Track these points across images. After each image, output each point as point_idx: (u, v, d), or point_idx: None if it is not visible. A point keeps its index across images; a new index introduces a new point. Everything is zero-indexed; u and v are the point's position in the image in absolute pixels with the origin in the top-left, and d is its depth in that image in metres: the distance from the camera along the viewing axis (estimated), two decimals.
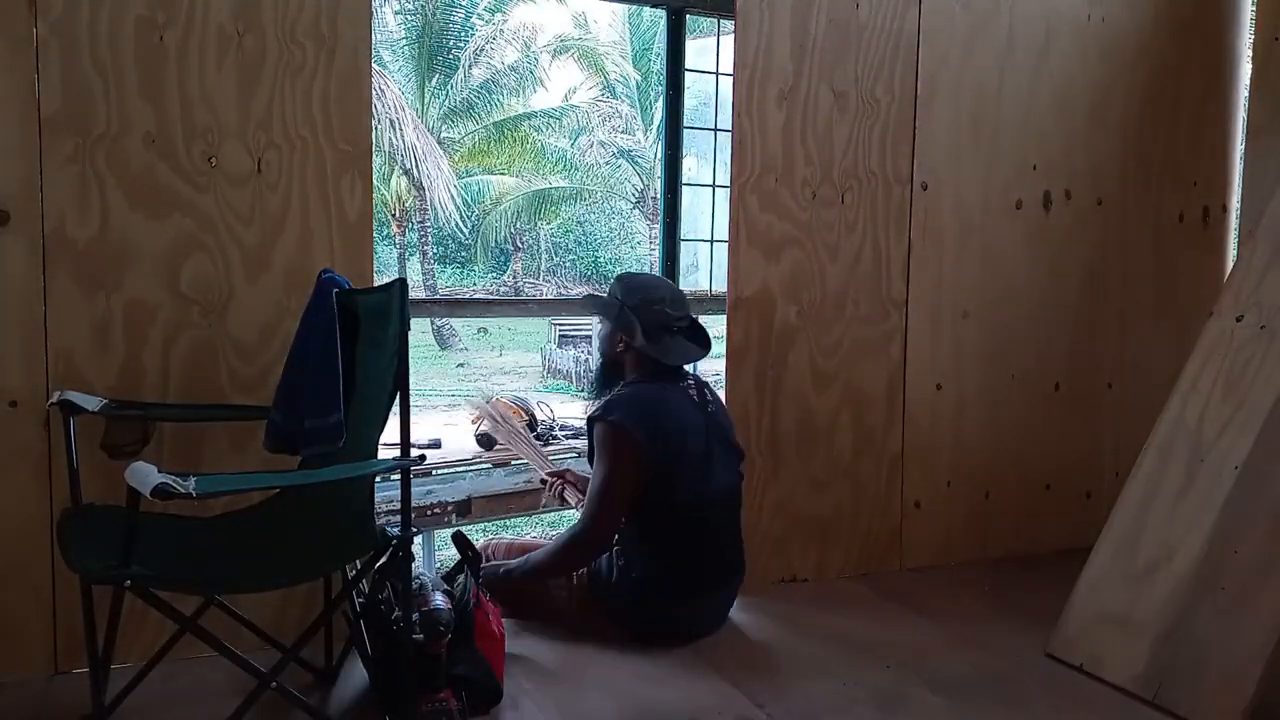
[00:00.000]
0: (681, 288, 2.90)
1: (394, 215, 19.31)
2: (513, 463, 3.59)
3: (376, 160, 10.43)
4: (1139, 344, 3.37)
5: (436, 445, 3.69)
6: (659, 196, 3.71)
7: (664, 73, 3.42)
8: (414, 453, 1.95)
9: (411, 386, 2.00)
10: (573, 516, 2.76)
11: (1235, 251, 3.44)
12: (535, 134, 20.20)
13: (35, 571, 2.21)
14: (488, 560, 2.60)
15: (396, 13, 18.35)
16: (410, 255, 20.22)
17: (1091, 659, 2.40)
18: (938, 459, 3.14)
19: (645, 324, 2.51)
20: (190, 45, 2.24)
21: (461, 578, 2.23)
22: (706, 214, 3.61)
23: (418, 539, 2.32)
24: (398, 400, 1.98)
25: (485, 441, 3.60)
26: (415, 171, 17.27)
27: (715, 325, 3.03)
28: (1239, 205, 3.44)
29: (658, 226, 6.58)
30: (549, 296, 20.12)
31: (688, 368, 2.65)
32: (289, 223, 2.35)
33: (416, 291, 16.35)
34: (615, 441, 2.42)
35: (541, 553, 2.52)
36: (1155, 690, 2.24)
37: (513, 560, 2.59)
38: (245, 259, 2.32)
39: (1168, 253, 3.39)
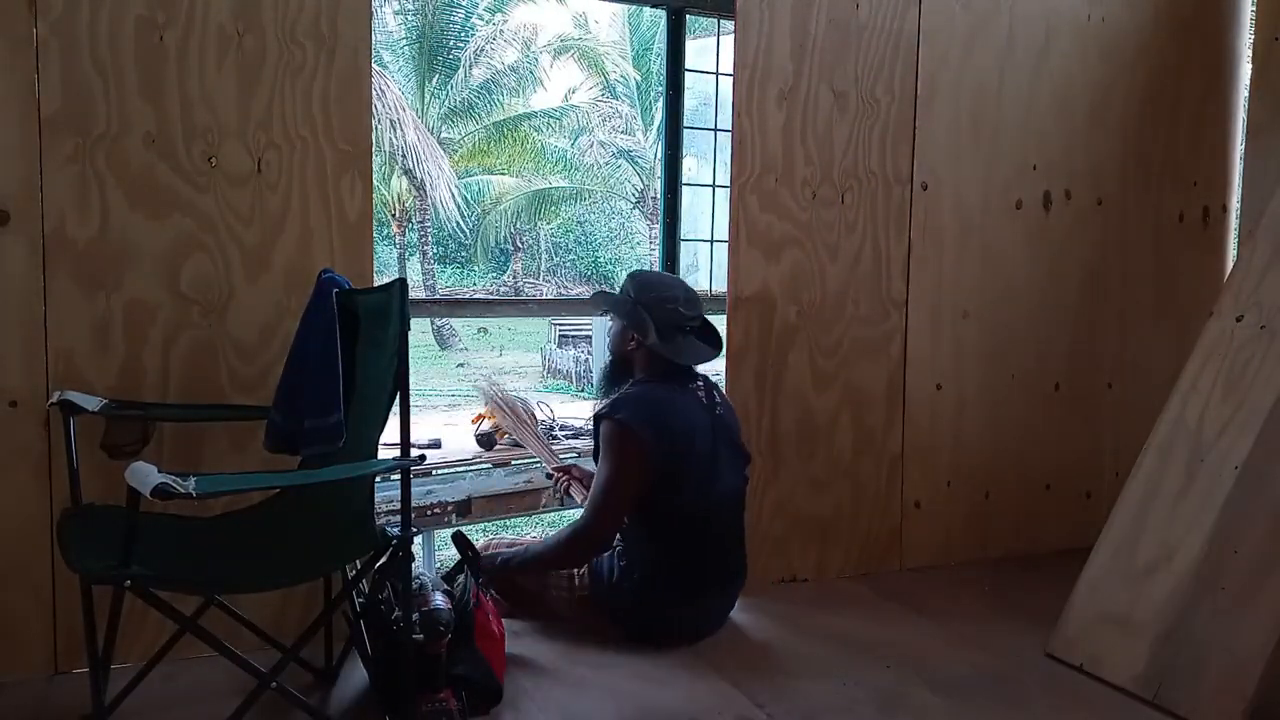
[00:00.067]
0: None
1: (394, 215, 19.29)
2: (513, 462, 3.59)
3: (377, 160, 10.46)
4: (1139, 344, 3.37)
5: (436, 445, 3.69)
6: (659, 196, 3.70)
7: (664, 73, 3.42)
8: (414, 453, 1.95)
9: (411, 386, 2.00)
10: (574, 515, 2.75)
11: (1235, 251, 3.44)
12: (535, 134, 20.18)
13: (35, 571, 2.21)
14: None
15: (396, 13, 18.33)
16: (410, 255, 20.21)
17: (1091, 659, 2.40)
18: (938, 459, 3.14)
19: (658, 322, 2.48)
20: (190, 45, 2.24)
21: (461, 578, 2.23)
22: (706, 214, 3.61)
23: (418, 539, 2.32)
24: (398, 400, 1.98)
25: (485, 441, 3.59)
26: (415, 171, 17.26)
27: (715, 325, 3.01)
28: (1239, 205, 3.44)
29: (658, 226, 6.57)
30: (549, 296, 20.12)
31: (698, 368, 2.62)
32: (289, 223, 2.35)
33: (416, 291, 16.36)
34: (621, 440, 2.41)
35: (541, 543, 2.51)
36: (1155, 690, 2.24)
37: (511, 550, 2.57)
38: (245, 259, 2.32)
39: (1168, 253, 3.39)
